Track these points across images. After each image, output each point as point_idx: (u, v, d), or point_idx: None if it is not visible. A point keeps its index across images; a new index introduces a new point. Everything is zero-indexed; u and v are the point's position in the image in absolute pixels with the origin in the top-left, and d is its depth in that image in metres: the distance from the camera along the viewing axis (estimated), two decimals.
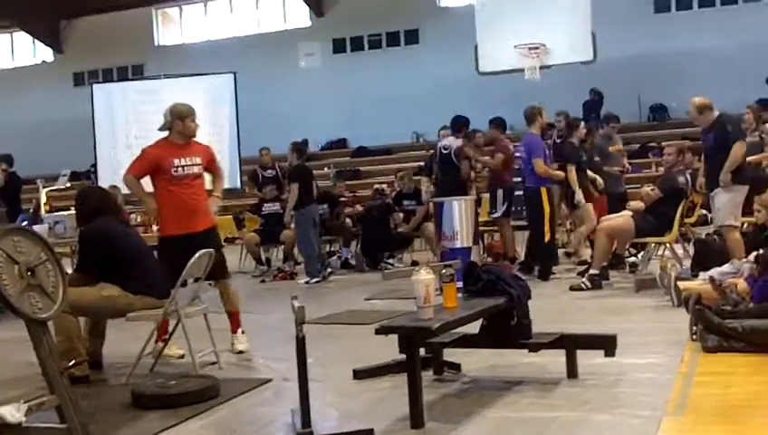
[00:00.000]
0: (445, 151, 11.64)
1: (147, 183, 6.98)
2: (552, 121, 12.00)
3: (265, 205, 13.15)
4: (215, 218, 7.07)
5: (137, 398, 5.33)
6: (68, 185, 17.08)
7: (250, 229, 13.30)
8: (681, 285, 7.53)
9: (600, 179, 11.00)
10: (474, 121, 18.08)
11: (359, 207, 14.22)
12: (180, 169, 6.83)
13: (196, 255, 6.22)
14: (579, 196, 10.69)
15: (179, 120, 6.88)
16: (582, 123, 11.46)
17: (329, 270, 12.04)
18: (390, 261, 12.74)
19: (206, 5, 26.52)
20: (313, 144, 24.05)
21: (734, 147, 8.55)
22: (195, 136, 7.02)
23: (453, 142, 11.60)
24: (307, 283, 11.62)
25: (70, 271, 6.93)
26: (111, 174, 14.57)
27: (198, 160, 6.93)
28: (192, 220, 6.82)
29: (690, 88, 20.04)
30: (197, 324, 6.39)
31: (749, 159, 9.57)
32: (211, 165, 7.13)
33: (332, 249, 14.30)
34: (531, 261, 10.75)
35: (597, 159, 11.17)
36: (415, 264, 10.91)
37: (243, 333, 7.01)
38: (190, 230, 6.77)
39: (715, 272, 7.58)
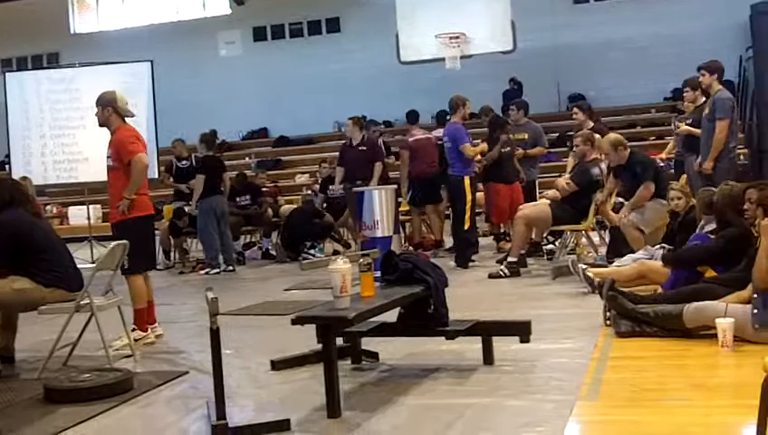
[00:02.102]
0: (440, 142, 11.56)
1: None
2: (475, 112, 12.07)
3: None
4: (124, 214, 6.82)
5: (49, 392, 5.23)
6: None
7: (167, 219, 13.13)
8: (592, 271, 7.65)
9: None
10: (396, 111, 18.14)
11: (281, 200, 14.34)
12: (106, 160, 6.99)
13: (109, 247, 6.13)
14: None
15: None
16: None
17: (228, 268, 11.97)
18: (311, 251, 12.70)
19: None
20: (234, 134, 23.87)
21: (640, 189, 8.75)
22: (102, 125, 6.95)
23: None
24: (207, 273, 11.69)
25: None
26: (24, 164, 14.23)
27: (110, 153, 6.89)
28: (111, 212, 6.99)
29: (608, 78, 20.64)
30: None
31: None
32: (123, 158, 6.88)
33: (253, 240, 14.23)
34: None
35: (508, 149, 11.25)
36: (336, 254, 10.91)
37: (134, 330, 6.76)
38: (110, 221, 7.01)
39: (629, 258, 7.76)
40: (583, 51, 21.17)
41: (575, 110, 11.20)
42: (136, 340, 6.64)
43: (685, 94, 10.19)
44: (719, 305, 5.52)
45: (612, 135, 9.34)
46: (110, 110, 6.93)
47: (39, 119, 14.40)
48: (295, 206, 14.06)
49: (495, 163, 10.99)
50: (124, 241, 6.36)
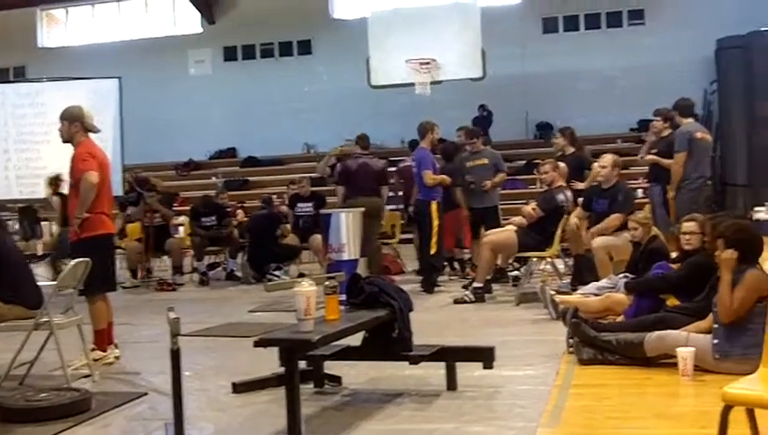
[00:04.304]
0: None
1: None
2: (443, 137, 12.06)
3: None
4: (81, 232, 6.65)
5: (4, 411, 5.12)
6: None
7: (132, 238, 13.00)
8: (559, 298, 7.68)
9: None
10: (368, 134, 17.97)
11: (240, 212, 14.31)
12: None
13: (70, 264, 6.05)
14: None
15: None
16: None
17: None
18: (277, 273, 12.62)
19: (93, 7, 25.91)
20: (202, 153, 23.74)
21: (611, 217, 8.71)
22: (67, 141, 6.83)
23: None
24: None
25: None
26: None
27: (70, 170, 6.76)
28: (70, 231, 6.83)
29: (575, 107, 20.75)
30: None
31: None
32: (74, 175, 6.72)
33: (217, 260, 14.11)
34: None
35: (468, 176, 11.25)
36: (302, 276, 10.84)
37: (94, 350, 6.64)
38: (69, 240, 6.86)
39: (593, 286, 7.78)
40: (552, 80, 21.33)
41: (557, 134, 11.25)
42: (95, 360, 6.53)
43: (655, 123, 10.31)
44: (680, 334, 5.57)
45: (615, 155, 9.34)
46: (77, 125, 6.76)
47: (3, 132, 14.24)
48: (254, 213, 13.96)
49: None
50: (86, 259, 6.26)
